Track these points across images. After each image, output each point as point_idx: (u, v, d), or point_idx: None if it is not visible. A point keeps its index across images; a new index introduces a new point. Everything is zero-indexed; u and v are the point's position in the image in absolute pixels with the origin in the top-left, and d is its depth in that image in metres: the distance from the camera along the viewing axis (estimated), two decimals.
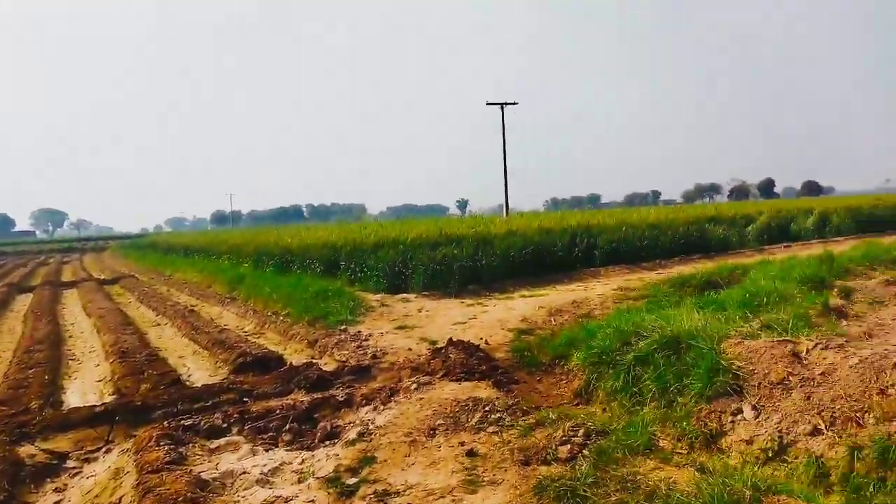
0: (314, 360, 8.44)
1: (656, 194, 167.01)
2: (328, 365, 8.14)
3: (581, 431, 4.57)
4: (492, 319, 10.22)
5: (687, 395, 5.28)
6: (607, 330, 7.01)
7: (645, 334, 6.36)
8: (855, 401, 4.45)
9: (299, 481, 4.71)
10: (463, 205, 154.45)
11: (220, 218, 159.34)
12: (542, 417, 5.10)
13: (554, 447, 4.47)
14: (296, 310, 11.65)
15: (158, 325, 12.95)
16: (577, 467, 4.12)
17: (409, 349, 8.51)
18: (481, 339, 8.70)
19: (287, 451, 5.49)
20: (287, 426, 6.00)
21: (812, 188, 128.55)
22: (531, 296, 12.67)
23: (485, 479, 4.29)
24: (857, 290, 8.70)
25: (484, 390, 6.19)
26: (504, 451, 4.65)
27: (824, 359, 4.98)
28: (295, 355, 9.21)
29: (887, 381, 4.54)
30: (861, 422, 4.35)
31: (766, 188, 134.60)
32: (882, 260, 11.52)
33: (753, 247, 20.10)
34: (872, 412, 4.36)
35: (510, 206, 38.14)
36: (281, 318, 11.77)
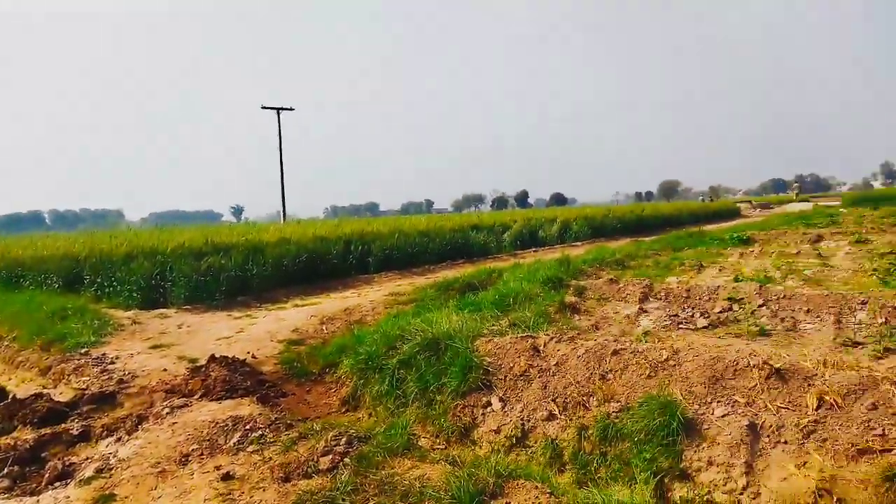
0: (45, 391, 7.33)
1: (430, 203, 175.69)
2: (64, 395, 7.12)
3: (343, 440, 4.59)
4: (261, 331, 9.84)
5: (445, 393, 5.61)
6: (375, 335, 7.18)
7: (409, 337, 6.61)
8: (582, 386, 5.11)
9: None
10: (238, 211, 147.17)
11: None
12: (306, 430, 5.02)
13: (316, 459, 4.42)
14: (26, 333, 10.01)
15: None
16: (337, 477, 4.14)
17: (165, 370, 7.80)
18: (248, 353, 8.32)
19: (4, 499, 4.69)
20: (5, 470, 5.12)
21: (559, 199, 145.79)
22: (304, 304, 12.46)
23: (241, 502, 4.09)
24: (588, 288, 9.98)
25: (247, 407, 5.92)
26: (264, 469, 4.48)
27: (558, 350, 5.64)
28: (22, 386, 7.92)
29: (607, 367, 5.28)
30: (587, 405, 5.00)
31: (522, 199, 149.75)
32: (608, 262, 13.37)
33: (509, 252, 22.10)
34: (596, 395, 5.04)
35: (288, 213, 37.38)
36: (6, 343, 10.04)
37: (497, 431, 5.06)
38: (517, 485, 3.62)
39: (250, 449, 4.91)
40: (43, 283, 13.95)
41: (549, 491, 3.56)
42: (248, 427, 5.29)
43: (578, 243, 24.62)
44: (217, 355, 7.55)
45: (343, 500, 3.81)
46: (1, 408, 6.39)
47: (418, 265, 18.05)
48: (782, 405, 4.20)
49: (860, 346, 5.29)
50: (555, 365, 5.47)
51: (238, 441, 5.06)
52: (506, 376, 5.54)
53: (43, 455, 5.47)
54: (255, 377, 7.20)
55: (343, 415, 6.26)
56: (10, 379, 8.32)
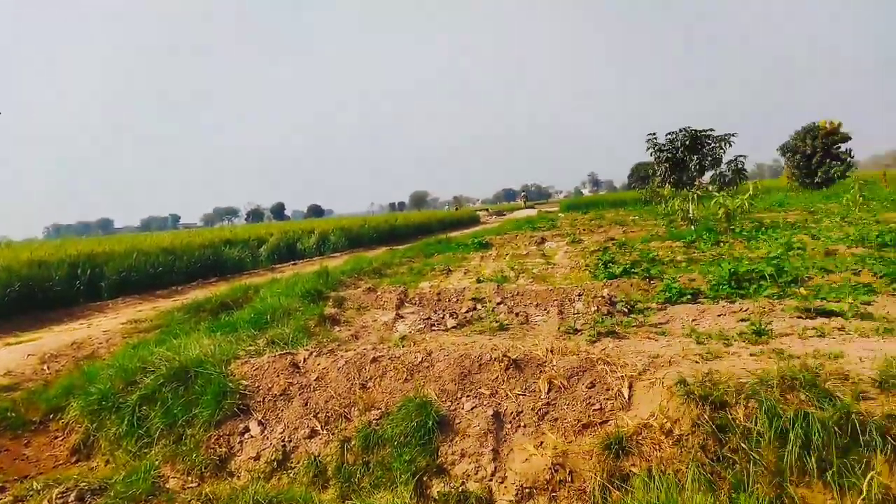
0: None
1: (176, 218, 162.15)
2: None
3: (73, 496, 3.99)
4: None
5: (196, 426, 5.19)
6: (110, 371, 6.36)
7: (152, 369, 6.00)
8: (343, 398, 5.12)
9: None
10: None
11: None
12: (22, 491, 4.26)
13: None
14: None
15: None
16: None
17: None
18: None
19: None
20: None
21: (316, 211, 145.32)
22: (19, 342, 10.56)
23: None
24: (347, 298, 10.07)
25: None
26: None
27: (318, 364, 5.58)
28: None
29: (367, 376, 5.36)
30: (349, 416, 5.02)
31: (278, 211, 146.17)
32: (366, 271, 13.67)
33: (266, 266, 21.34)
34: (357, 406, 5.08)
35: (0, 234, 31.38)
36: None
37: (256, 458, 4.82)
38: None
39: None
40: None
41: None
42: None
43: (337, 254, 24.73)
44: None
45: None
46: None
47: (163, 287, 16.48)
48: (520, 392, 4.69)
49: (579, 333, 6.13)
50: (315, 380, 5.40)
51: None
52: (264, 398, 5.31)
53: None
54: None
55: (73, 465, 5.43)
56: None
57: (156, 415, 5.42)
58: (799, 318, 5.88)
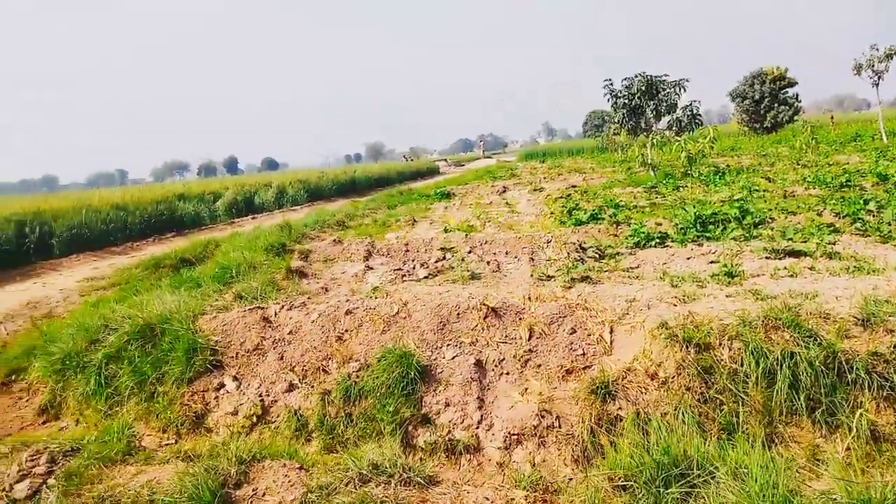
0: None
1: (123, 173, 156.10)
2: None
3: (43, 458, 3.83)
4: None
5: (168, 382, 5.04)
6: (71, 330, 6.12)
7: (115, 327, 5.79)
8: (319, 351, 5.02)
9: None
10: None
11: None
12: None
13: (9, 487, 3.62)
14: None
15: None
16: (41, 503, 3.45)
17: None
18: None
19: None
20: None
21: (271, 164, 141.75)
22: None
23: None
24: (313, 251, 9.88)
25: None
26: None
27: (291, 318, 5.46)
28: None
29: (343, 328, 5.27)
30: (327, 369, 4.94)
31: (232, 165, 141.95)
32: (329, 223, 13.42)
33: (224, 221, 20.80)
34: (335, 358, 5.00)
35: None
36: None
37: (234, 413, 4.72)
38: (262, 467, 3.42)
39: None
40: None
41: (297, 465, 3.44)
42: None
43: (297, 207, 24.25)
44: None
45: None
46: None
47: (117, 243, 15.94)
48: (501, 340, 4.68)
49: (552, 280, 6.13)
50: (289, 334, 5.28)
51: None
52: (237, 353, 5.18)
53: None
54: None
55: (42, 427, 5.25)
56: None
57: (124, 373, 5.25)
58: (768, 258, 6.00)
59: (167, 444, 4.53)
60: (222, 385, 4.96)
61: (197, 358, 5.09)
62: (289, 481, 3.23)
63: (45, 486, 3.61)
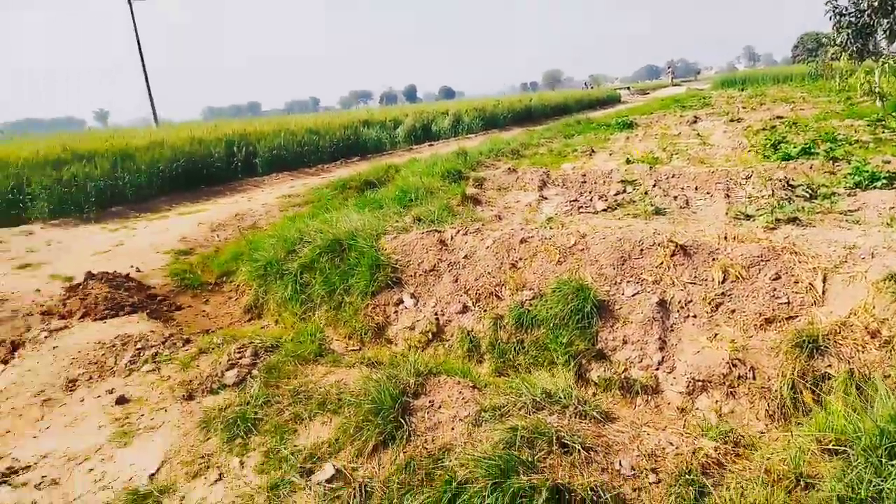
0: None
1: (316, 101, 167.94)
2: None
3: (249, 351, 4.29)
4: (143, 243, 9.05)
5: (353, 294, 5.39)
6: (272, 240, 6.76)
7: (309, 240, 6.26)
8: (493, 277, 5.03)
9: None
10: (103, 116, 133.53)
11: None
12: (206, 344, 4.66)
13: (220, 374, 4.12)
14: None
15: None
16: (246, 390, 3.88)
17: (38, 290, 7.02)
18: (132, 267, 7.63)
19: None
20: None
21: (448, 93, 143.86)
22: (189, 213, 11.59)
23: (140, 426, 3.76)
24: (487, 179, 9.89)
25: (136, 325, 5.43)
26: (163, 389, 4.13)
27: (466, 243, 5.51)
28: None
29: (517, 256, 5.21)
30: (500, 295, 4.95)
31: (411, 93, 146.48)
32: (504, 152, 13.31)
33: (403, 147, 21.55)
34: (507, 285, 4.99)
35: (161, 116, 34.27)
36: None
37: (412, 328, 4.94)
38: (438, 381, 3.52)
39: (145, 368, 4.52)
40: None
41: (471, 384, 3.49)
42: (139, 346, 4.85)
43: (472, 135, 24.42)
44: (95, 272, 6.84)
45: (255, 413, 3.57)
46: None
47: (309, 165, 17.23)
48: (689, 281, 4.32)
49: (752, 219, 5.54)
50: (464, 258, 5.35)
51: (130, 361, 4.64)
52: (415, 272, 5.37)
53: None
54: (144, 292, 6.64)
55: (248, 324, 5.92)
56: None
57: (316, 282, 5.69)
58: None
59: (352, 350, 4.87)
60: (401, 301, 5.19)
61: (379, 274, 5.36)
62: (463, 398, 3.30)
63: (249, 375, 4.05)
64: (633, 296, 4.37)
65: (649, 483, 2.57)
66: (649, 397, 3.79)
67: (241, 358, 4.23)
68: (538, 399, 3.15)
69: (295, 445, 3.27)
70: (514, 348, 4.40)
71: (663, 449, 2.76)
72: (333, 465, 2.99)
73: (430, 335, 4.80)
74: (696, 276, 4.32)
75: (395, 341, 4.96)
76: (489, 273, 5.08)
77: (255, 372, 4.07)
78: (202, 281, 7.16)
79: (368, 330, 5.07)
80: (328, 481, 2.91)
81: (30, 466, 3.47)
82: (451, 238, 5.60)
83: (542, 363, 4.17)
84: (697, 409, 3.58)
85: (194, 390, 4.04)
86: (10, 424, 4.01)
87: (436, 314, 4.93)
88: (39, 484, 3.29)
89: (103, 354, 4.79)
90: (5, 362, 5.11)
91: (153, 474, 3.26)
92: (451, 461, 2.80)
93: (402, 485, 2.77)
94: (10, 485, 3.31)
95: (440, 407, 3.23)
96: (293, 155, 17.02)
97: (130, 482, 3.22)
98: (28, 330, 5.74)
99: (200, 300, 6.81)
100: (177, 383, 4.16)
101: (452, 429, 3.05)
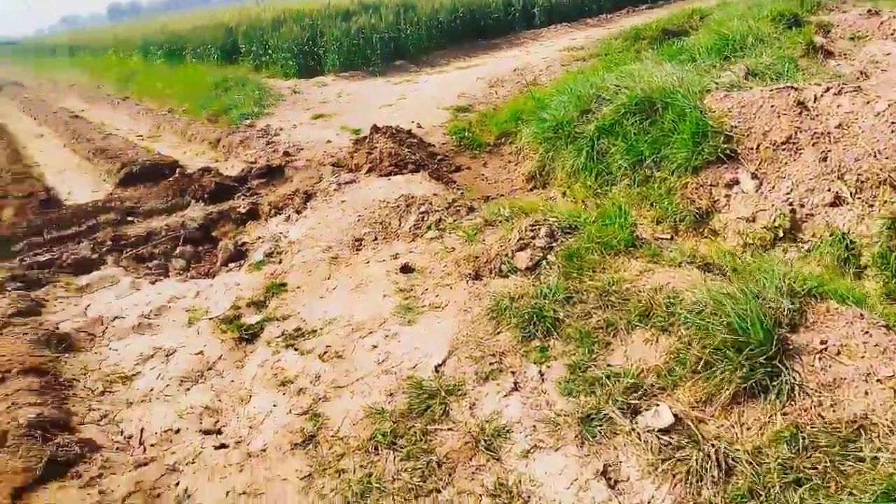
0: (214, 164, 7.03)
1: None
2: (232, 168, 6.77)
3: (543, 230, 3.54)
4: (424, 98, 8.81)
5: (667, 168, 4.27)
6: (561, 97, 5.77)
7: (607, 98, 5.19)
8: (887, 159, 3.48)
9: (189, 324, 3.67)
10: None
11: (116, 12, 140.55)
12: (491, 215, 4.04)
13: (510, 254, 3.47)
14: (193, 105, 9.87)
15: (42, 136, 10.94)
16: (541, 279, 3.17)
17: (329, 141, 7.16)
18: (413, 122, 7.39)
19: (179, 281, 4.39)
20: (178, 250, 4.84)
21: None
22: (467, 67, 11.12)
23: (426, 302, 3.31)
24: (835, 24, 7.53)
25: (419, 185, 5.05)
26: (447, 262, 3.64)
27: (839, 107, 3.93)
28: (195, 159, 7.74)
29: None
30: None
31: None
32: None
33: None
34: None
35: None
36: (178, 116, 9.99)
37: (751, 219, 3.72)
38: (827, 310, 2.38)
39: (429, 235, 4.09)
40: (203, 55, 13.73)
41: (883, 322, 2.30)
42: (422, 209, 4.43)
43: None
44: (380, 125, 6.66)
45: (554, 311, 2.86)
46: (171, 183, 6.15)
47: (591, 14, 15.50)
48: None
49: None
50: (836, 128, 3.81)
51: (414, 225, 4.26)
52: (758, 145, 4.00)
53: (213, 234, 5.15)
54: (424, 149, 6.30)
55: (530, 193, 5.21)
56: (184, 152, 8.20)
57: (617, 150, 4.67)
58: None
59: (661, 238, 3.86)
60: (736, 181, 3.94)
61: (706, 144, 4.11)
62: (875, 344, 2.15)
63: (545, 261, 3.33)
64: None
65: None
66: None
67: (534, 237, 3.52)
68: None
69: (609, 365, 2.51)
70: None
71: None
72: (671, 410, 2.17)
73: (779, 231, 3.55)
74: None
75: (722, 234, 3.81)
76: (879, 152, 3.52)
77: (551, 258, 3.33)
78: (481, 141, 6.60)
79: (686, 215, 3.97)
80: (663, 431, 2.11)
81: (315, 331, 3.27)
82: (816, 99, 4.04)
83: None
84: None
85: (481, 269, 3.47)
86: (301, 280, 3.91)
87: (789, 204, 3.62)
88: (324, 354, 3.05)
89: (388, 214, 4.49)
90: (298, 212, 5.16)
91: (439, 365, 2.79)
92: (867, 448, 1.79)
93: (786, 466, 1.85)
94: (297, 350, 3.13)
95: (838, 353, 2.15)
96: (573, 3, 15.42)
97: (414, 370, 2.79)
98: (319, 180, 5.77)
99: (479, 162, 6.28)
100: (462, 257, 3.62)
101: (866, 393, 1.98)
